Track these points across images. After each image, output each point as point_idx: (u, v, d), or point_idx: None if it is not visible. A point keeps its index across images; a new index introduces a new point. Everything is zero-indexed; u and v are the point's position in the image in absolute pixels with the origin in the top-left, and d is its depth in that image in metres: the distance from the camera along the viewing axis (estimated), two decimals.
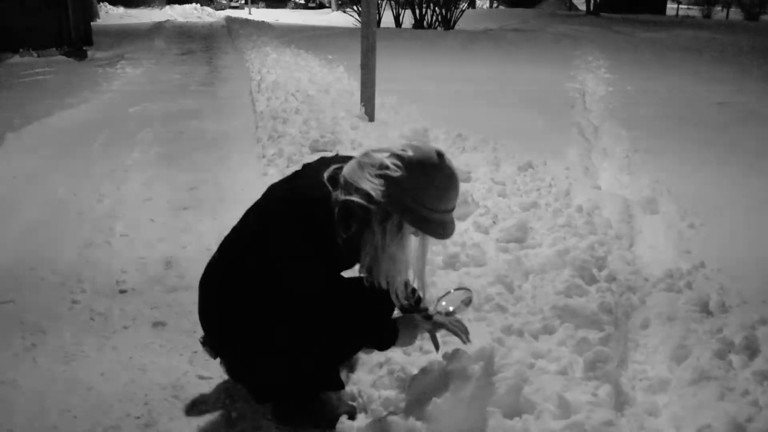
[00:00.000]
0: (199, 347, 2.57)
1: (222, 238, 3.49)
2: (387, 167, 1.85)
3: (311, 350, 2.05)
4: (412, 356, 2.28)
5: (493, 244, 3.27)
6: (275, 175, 4.70)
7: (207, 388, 2.46)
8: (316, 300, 1.97)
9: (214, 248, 3.54)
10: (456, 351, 2.13)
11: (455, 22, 22.70)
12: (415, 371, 2.15)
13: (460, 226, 3.53)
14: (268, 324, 2.04)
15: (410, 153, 1.87)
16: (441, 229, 1.91)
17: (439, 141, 5.47)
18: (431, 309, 2.19)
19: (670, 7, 40.12)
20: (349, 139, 5.19)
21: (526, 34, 19.27)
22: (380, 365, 2.32)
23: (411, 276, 2.12)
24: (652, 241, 3.80)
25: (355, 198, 1.84)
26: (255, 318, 2.05)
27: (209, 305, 2.18)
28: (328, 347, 2.07)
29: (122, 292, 3.21)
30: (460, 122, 6.35)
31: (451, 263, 3.09)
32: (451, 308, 2.10)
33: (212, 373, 2.50)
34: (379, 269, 1.94)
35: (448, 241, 3.26)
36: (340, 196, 1.85)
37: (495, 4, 40.88)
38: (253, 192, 4.45)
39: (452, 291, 2.17)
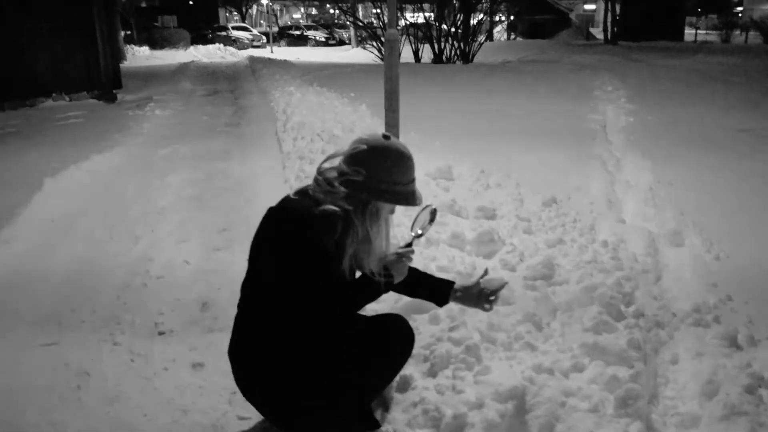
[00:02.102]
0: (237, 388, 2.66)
1: None
2: (347, 173, 2.11)
3: (339, 371, 2.15)
4: (446, 395, 2.34)
5: (520, 282, 3.32)
6: None
7: (246, 427, 2.54)
8: (326, 307, 2.13)
9: None
10: None
11: (474, 56, 22.98)
12: (449, 411, 2.21)
13: (487, 264, 3.61)
14: (293, 358, 2.14)
15: (363, 147, 2.13)
16: (413, 197, 2.21)
17: (464, 178, 5.56)
18: (410, 235, 2.40)
19: (688, 33, 40.17)
20: None
21: (545, 65, 19.44)
22: (414, 404, 2.38)
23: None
24: (679, 274, 3.83)
25: (331, 206, 2.07)
26: (281, 356, 2.15)
27: (240, 355, 2.28)
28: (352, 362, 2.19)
29: (161, 333, 3.32)
30: (482, 157, 6.45)
31: None
32: (419, 231, 2.36)
33: (251, 413, 2.58)
34: (363, 256, 2.18)
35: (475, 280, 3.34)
36: (315, 209, 2.07)
37: (512, 36, 41.26)
38: None
39: (419, 214, 2.39)
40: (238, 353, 2.28)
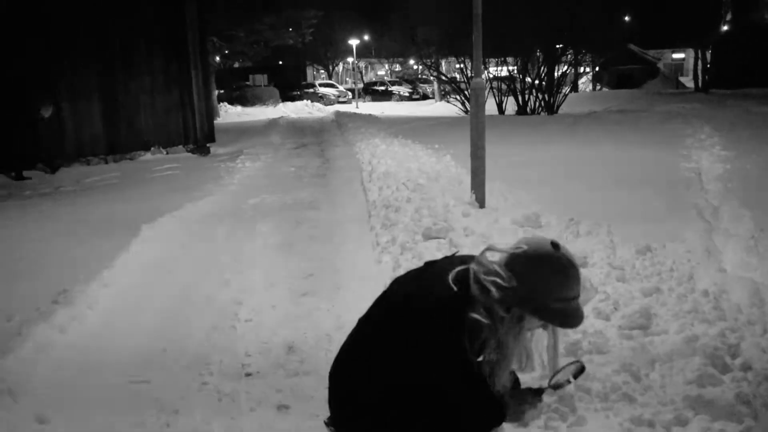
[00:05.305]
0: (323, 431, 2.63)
1: (340, 325, 3.59)
2: (500, 276, 1.86)
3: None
4: None
5: (615, 331, 3.18)
6: (389, 263, 4.81)
7: None
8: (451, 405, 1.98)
9: (333, 335, 3.70)
10: None
11: (558, 107, 22.78)
12: None
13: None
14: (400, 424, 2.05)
15: (525, 247, 1.89)
16: (564, 317, 1.90)
17: (552, 226, 5.44)
18: (543, 384, 2.16)
19: None
20: (461, 226, 5.26)
21: (633, 114, 19.01)
22: None
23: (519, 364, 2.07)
24: None
25: (480, 316, 1.86)
26: (385, 417, 2.07)
27: (339, 393, 2.22)
28: None
29: (248, 375, 3.35)
30: (571, 206, 6.30)
31: (573, 351, 3.03)
32: (557, 382, 2.08)
33: None
34: (498, 364, 1.94)
35: (569, 330, 3.22)
36: (470, 314, 1.87)
37: (598, 87, 40.75)
38: (369, 280, 4.62)
39: (566, 365, 2.12)
40: (339, 375, 2.22)
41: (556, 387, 2.08)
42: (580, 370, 2.06)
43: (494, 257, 1.93)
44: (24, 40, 11.18)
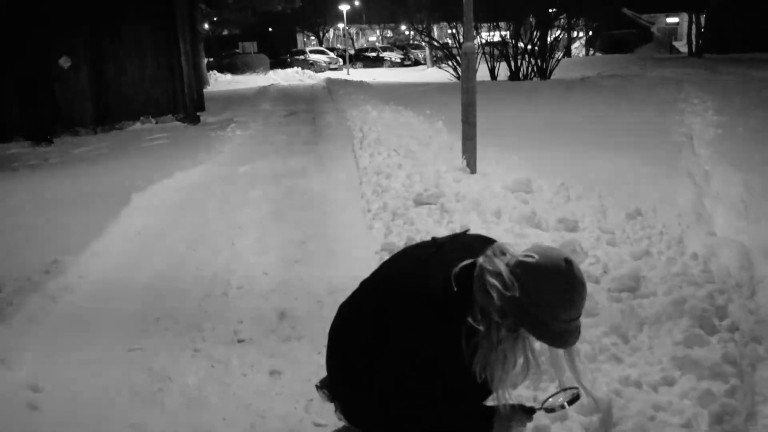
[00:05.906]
0: (315, 395, 2.67)
1: (332, 290, 3.57)
2: (504, 282, 1.81)
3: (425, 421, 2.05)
4: None
5: (604, 294, 3.21)
6: (381, 229, 4.82)
7: None
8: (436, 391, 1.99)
9: (325, 300, 3.72)
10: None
11: (551, 72, 22.63)
12: (530, 423, 2.12)
13: None
14: (389, 392, 2.05)
15: (536, 257, 1.82)
16: (561, 337, 1.83)
17: (543, 191, 5.44)
18: (536, 405, 2.14)
19: None
20: (452, 192, 5.25)
21: (626, 79, 18.90)
22: None
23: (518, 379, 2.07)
24: None
25: (475, 322, 1.84)
26: (377, 382, 2.08)
27: (336, 356, 2.22)
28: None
29: (240, 341, 3.37)
30: (562, 171, 6.30)
31: None
32: (549, 406, 2.06)
33: (327, 420, 2.57)
34: (492, 370, 1.91)
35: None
36: (468, 318, 1.84)
37: (591, 52, 40.48)
38: (360, 246, 4.63)
39: (561, 391, 2.11)
40: (338, 336, 2.21)
41: (549, 410, 2.07)
42: (575, 398, 2.05)
43: (506, 259, 1.87)
44: (17, 12, 10.99)
